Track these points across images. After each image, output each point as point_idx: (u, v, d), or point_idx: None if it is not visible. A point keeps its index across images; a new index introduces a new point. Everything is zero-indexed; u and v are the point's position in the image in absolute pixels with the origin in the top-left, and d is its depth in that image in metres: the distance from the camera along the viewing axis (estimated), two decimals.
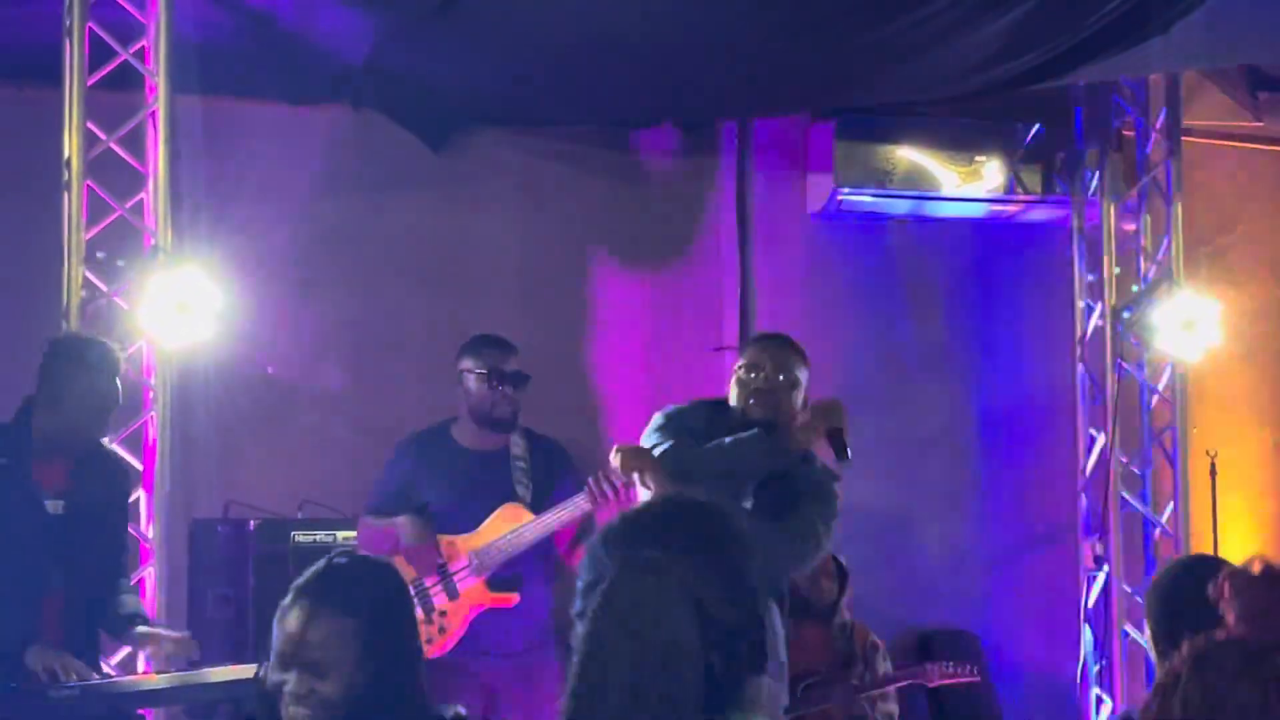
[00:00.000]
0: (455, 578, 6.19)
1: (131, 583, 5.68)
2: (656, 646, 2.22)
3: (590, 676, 2.22)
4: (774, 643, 4.98)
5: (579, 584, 2.35)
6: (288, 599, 3.25)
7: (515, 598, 6.15)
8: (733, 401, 5.33)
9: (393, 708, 3.25)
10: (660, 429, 5.31)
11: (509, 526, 6.18)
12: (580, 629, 2.30)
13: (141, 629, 5.34)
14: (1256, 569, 3.34)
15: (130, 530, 6.00)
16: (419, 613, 6.17)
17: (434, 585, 6.19)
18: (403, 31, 6.59)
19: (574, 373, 7.67)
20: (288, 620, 3.23)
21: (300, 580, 3.27)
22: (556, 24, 6.46)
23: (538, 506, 6.20)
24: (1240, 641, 2.43)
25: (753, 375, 5.30)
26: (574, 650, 2.28)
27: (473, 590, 6.19)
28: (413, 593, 6.14)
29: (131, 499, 6.05)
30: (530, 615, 6.19)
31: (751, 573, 2.35)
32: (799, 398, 5.32)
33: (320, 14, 6.48)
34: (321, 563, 3.30)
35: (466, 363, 6.43)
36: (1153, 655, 4.09)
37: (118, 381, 5.35)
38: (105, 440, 5.67)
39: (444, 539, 6.20)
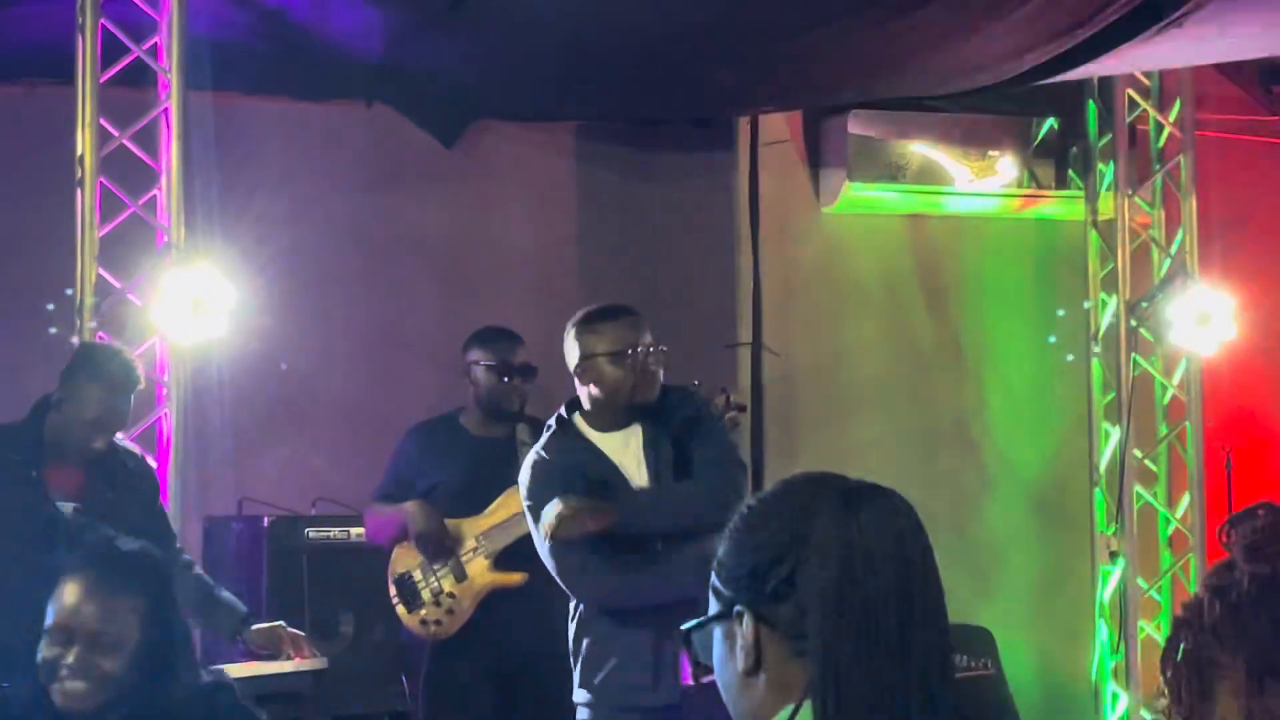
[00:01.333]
0: (462, 559, 6.22)
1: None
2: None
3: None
4: None
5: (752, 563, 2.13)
6: (66, 580, 3.35)
7: (521, 576, 6.16)
8: (600, 392, 5.07)
9: (167, 682, 3.36)
10: (545, 482, 5.07)
11: (517, 508, 6.22)
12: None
13: (259, 626, 5.37)
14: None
15: None
16: (427, 595, 6.22)
17: (441, 568, 6.22)
18: (415, 28, 6.60)
19: None
20: (66, 595, 3.35)
21: (77, 557, 3.39)
22: (568, 20, 6.46)
23: None
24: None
25: (628, 356, 5.03)
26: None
27: (479, 570, 6.22)
28: (421, 575, 6.24)
29: None
30: (542, 599, 6.19)
31: None
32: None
33: (333, 11, 6.48)
34: (98, 541, 3.41)
35: (474, 354, 6.46)
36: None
37: (129, 401, 5.34)
38: (122, 440, 5.67)
39: (451, 522, 6.23)
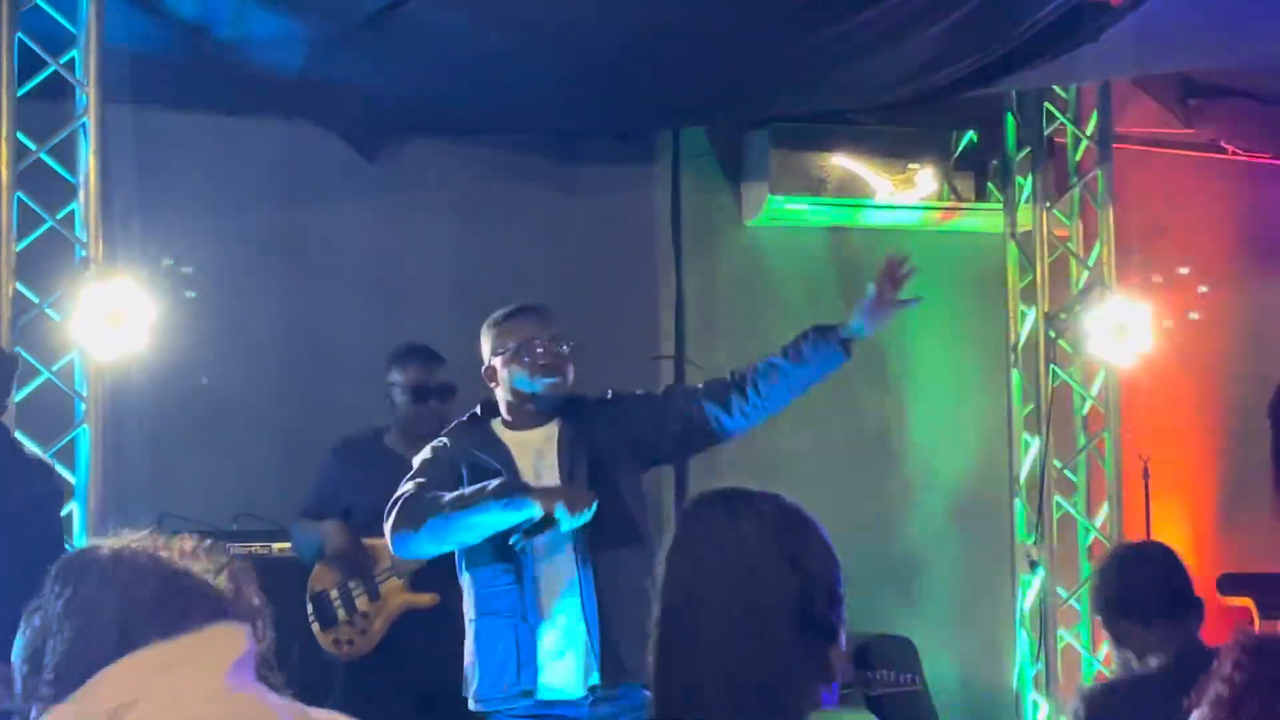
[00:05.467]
0: (377, 579, 6.20)
1: None
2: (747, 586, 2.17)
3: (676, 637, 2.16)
4: None
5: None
6: None
7: (434, 598, 6.14)
8: (510, 396, 5.07)
9: None
10: (433, 464, 5.08)
11: None
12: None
13: None
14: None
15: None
16: (342, 614, 6.21)
17: (357, 587, 6.21)
18: (336, 41, 6.58)
19: None
20: None
21: None
22: (490, 34, 6.47)
23: None
24: None
25: (537, 349, 5.03)
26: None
27: (393, 590, 6.21)
28: (337, 595, 6.22)
29: (64, 512, 6.02)
30: (454, 620, 6.18)
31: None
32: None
33: (253, 24, 6.45)
34: None
35: (393, 375, 6.45)
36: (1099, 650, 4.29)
37: None
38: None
39: (369, 542, 6.20)
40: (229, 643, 2.12)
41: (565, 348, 5.07)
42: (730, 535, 2.22)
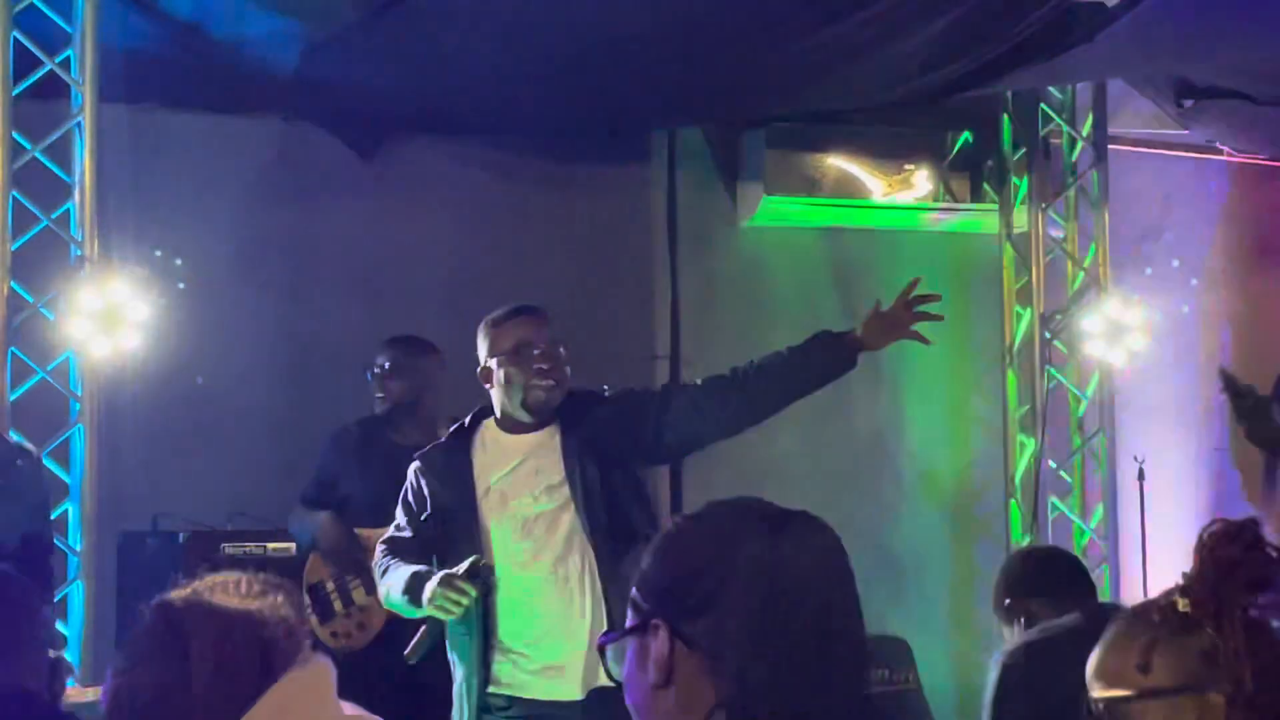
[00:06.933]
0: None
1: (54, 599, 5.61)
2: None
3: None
4: None
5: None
6: None
7: None
8: (506, 399, 4.92)
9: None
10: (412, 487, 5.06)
11: None
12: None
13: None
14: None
15: (57, 543, 5.97)
16: (339, 606, 6.20)
17: (353, 580, 6.20)
18: (333, 40, 6.58)
19: None
20: None
21: None
22: (486, 34, 6.47)
23: None
24: None
25: (534, 354, 4.89)
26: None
27: None
28: (334, 588, 6.21)
29: (58, 511, 6.03)
30: None
31: None
32: None
33: (249, 23, 6.46)
34: None
35: None
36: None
37: None
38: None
39: (365, 533, 6.19)
40: (325, 671, 2.26)
41: (562, 350, 4.96)
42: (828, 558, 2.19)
